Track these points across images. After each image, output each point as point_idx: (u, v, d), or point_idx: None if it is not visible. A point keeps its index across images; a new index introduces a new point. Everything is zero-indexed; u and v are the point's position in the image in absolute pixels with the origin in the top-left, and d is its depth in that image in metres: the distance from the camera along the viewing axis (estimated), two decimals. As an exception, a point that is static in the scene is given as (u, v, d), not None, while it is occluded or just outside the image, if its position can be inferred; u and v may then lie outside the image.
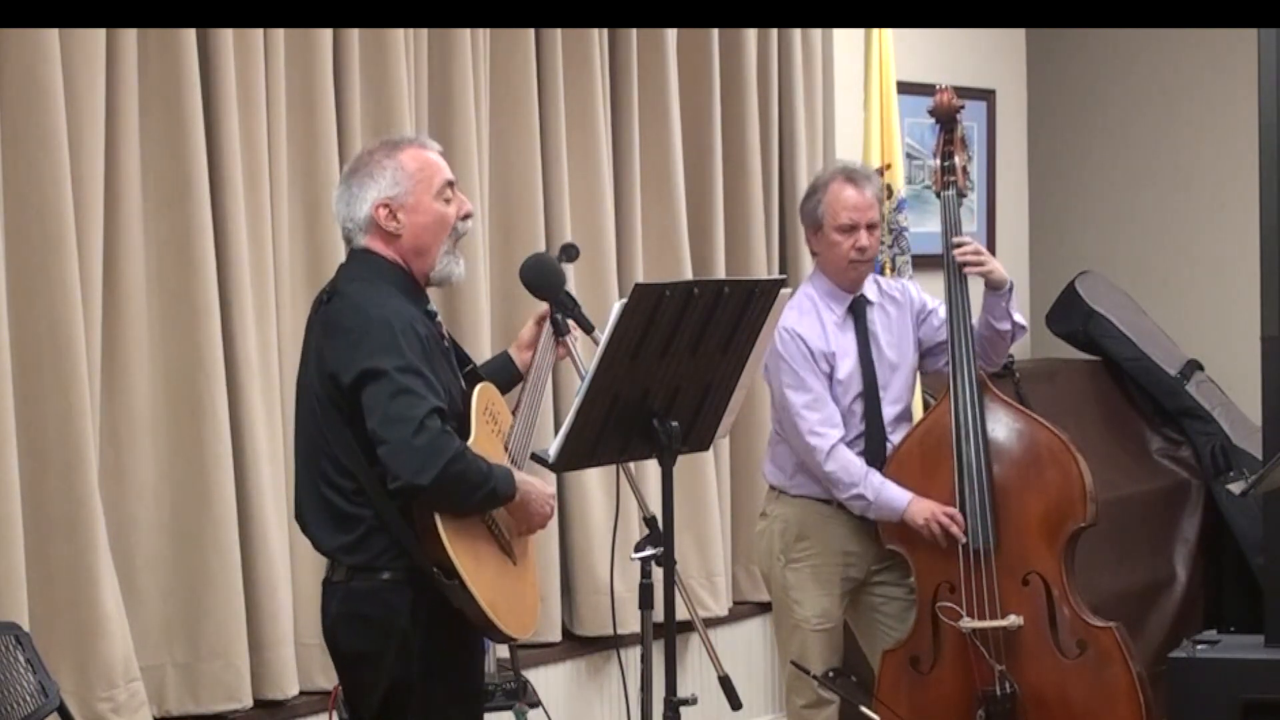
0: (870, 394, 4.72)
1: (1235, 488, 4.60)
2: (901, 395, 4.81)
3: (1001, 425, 4.69)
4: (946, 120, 4.88)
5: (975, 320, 4.76)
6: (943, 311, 4.78)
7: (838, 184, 4.69)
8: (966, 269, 4.70)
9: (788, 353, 4.66)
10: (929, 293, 4.91)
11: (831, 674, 4.59)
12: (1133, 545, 6.18)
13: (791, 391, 4.66)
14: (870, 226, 4.69)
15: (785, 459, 4.79)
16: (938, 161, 4.86)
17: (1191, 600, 6.33)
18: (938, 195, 4.85)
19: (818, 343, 4.68)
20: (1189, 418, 6.57)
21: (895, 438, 4.75)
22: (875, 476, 4.64)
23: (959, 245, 4.73)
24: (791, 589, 4.78)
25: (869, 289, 4.80)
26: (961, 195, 4.84)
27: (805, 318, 4.71)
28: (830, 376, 4.69)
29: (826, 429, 4.64)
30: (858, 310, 4.75)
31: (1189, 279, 6.95)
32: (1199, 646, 4.99)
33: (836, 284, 4.74)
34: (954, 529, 4.58)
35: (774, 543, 4.82)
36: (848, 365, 4.71)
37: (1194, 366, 6.67)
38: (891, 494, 4.63)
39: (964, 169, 4.85)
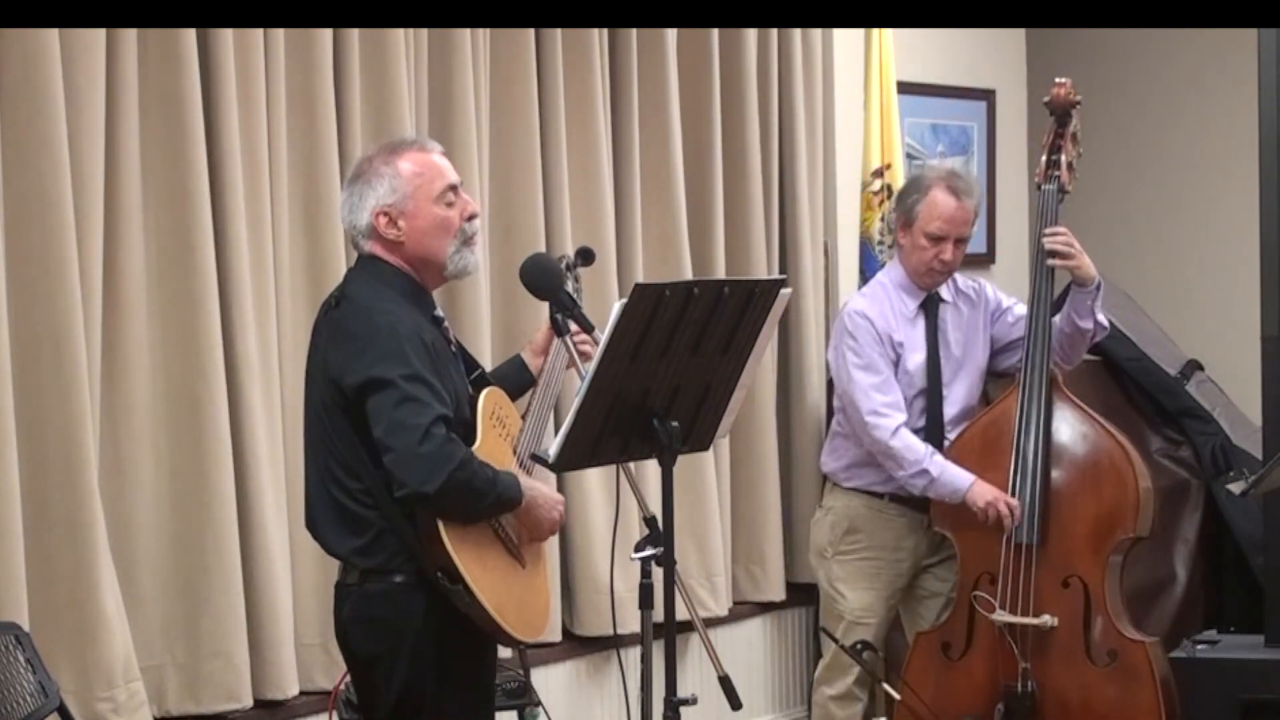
0: (933, 390, 4.75)
1: (1235, 488, 4.61)
2: (965, 395, 4.82)
3: (1066, 425, 4.69)
4: (1061, 114, 4.82)
5: (1058, 317, 4.74)
6: (1019, 309, 4.79)
7: (941, 191, 4.68)
8: (1052, 260, 4.68)
9: (858, 334, 4.69)
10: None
11: (860, 646, 4.60)
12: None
13: (860, 371, 4.68)
14: (960, 240, 4.69)
15: (843, 450, 4.82)
16: (1044, 155, 4.82)
17: (1191, 600, 6.32)
18: (1039, 188, 4.81)
19: (886, 327, 4.71)
20: (1189, 418, 6.56)
21: (953, 436, 4.76)
22: (938, 456, 4.66)
23: (1052, 234, 4.70)
24: (837, 580, 4.83)
25: (943, 288, 4.81)
26: (1063, 192, 4.77)
27: (875, 304, 4.75)
28: (896, 364, 4.70)
29: (892, 410, 4.66)
30: (930, 307, 4.77)
31: (1189, 279, 6.95)
32: (1199, 646, 4.99)
33: (912, 280, 4.75)
34: (1006, 520, 4.58)
35: (824, 534, 4.86)
36: (916, 359, 4.73)
37: (1194, 366, 6.66)
38: (955, 473, 4.65)
39: (1070, 165, 4.78)
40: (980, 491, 4.60)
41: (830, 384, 5.23)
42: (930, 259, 4.68)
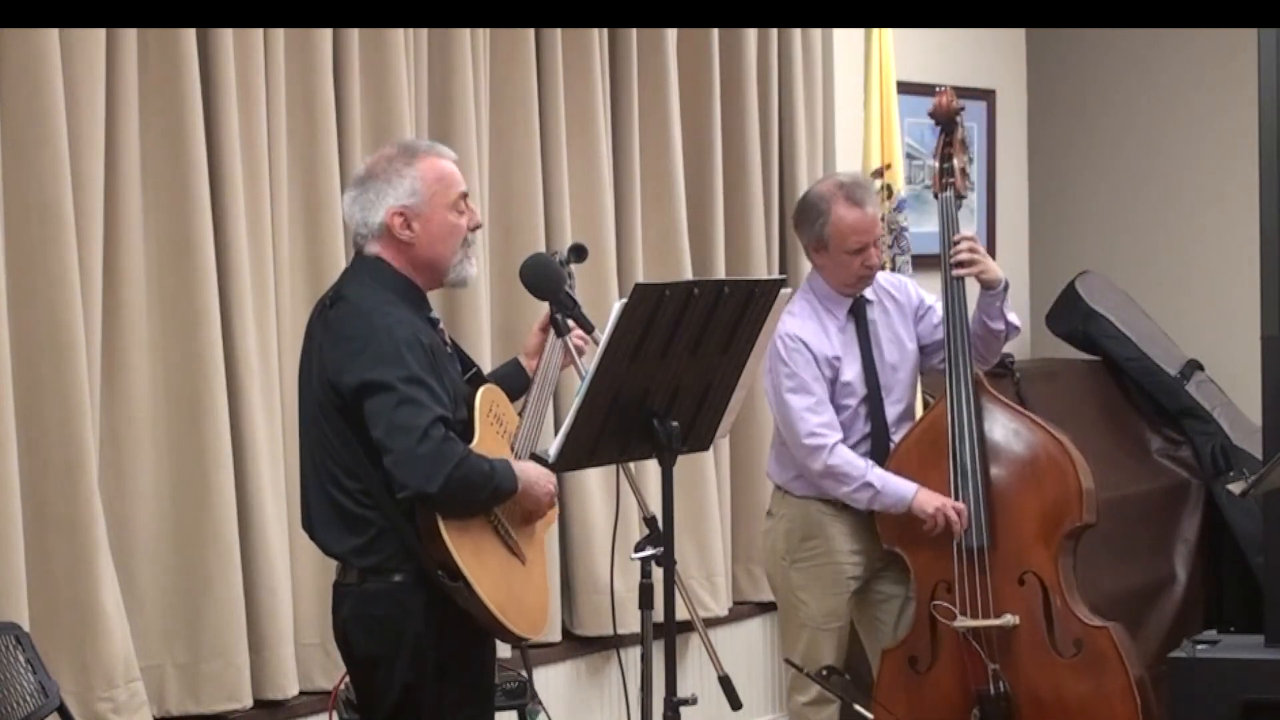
0: (873, 396, 4.73)
1: (1235, 488, 4.60)
2: (903, 395, 4.82)
3: (998, 426, 4.71)
4: (946, 122, 4.88)
5: (970, 319, 4.76)
6: (940, 310, 4.79)
7: (841, 207, 4.65)
8: (958, 270, 4.71)
9: (791, 359, 4.66)
10: (925, 290, 4.92)
11: (826, 672, 4.59)
12: (1133, 545, 6.18)
13: (793, 395, 4.66)
14: (876, 241, 4.70)
15: (789, 460, 4.80)
16: (936, 163, 4.86)
17: (1191, 600, 6.33)
18: (936, 197, 4.85)
19: (821, 347, 4.68)
20: (1189, 418, 6.57)
21: (899, 437, 4.76)
22: (878, 469, 4.66)
23: (956, 244, 4.74)
24: (797, 588, 4.79)
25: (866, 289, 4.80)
26: (960, 197, 4.84)
27: (807, 323, 4.71)
28: (834, 381, 4.69)
29: (828, 431, 4.65)
30: (858, 312, 4.76)
31: (1189, 279, 6.95)
32: (1199, 646, 4.98)
33: (838, 290, 4.74)
34: (956, 526, 4.59)
35: (779, 542, 4.83)
36: (853, 369, 4.71)
37: (1194, 366, 6.67)
38: (898, 483, 4.64)
39: (963, 171, 4.84)
40: (927, 499, 4.61)
41: None
42: (857, 269, 4.68)
